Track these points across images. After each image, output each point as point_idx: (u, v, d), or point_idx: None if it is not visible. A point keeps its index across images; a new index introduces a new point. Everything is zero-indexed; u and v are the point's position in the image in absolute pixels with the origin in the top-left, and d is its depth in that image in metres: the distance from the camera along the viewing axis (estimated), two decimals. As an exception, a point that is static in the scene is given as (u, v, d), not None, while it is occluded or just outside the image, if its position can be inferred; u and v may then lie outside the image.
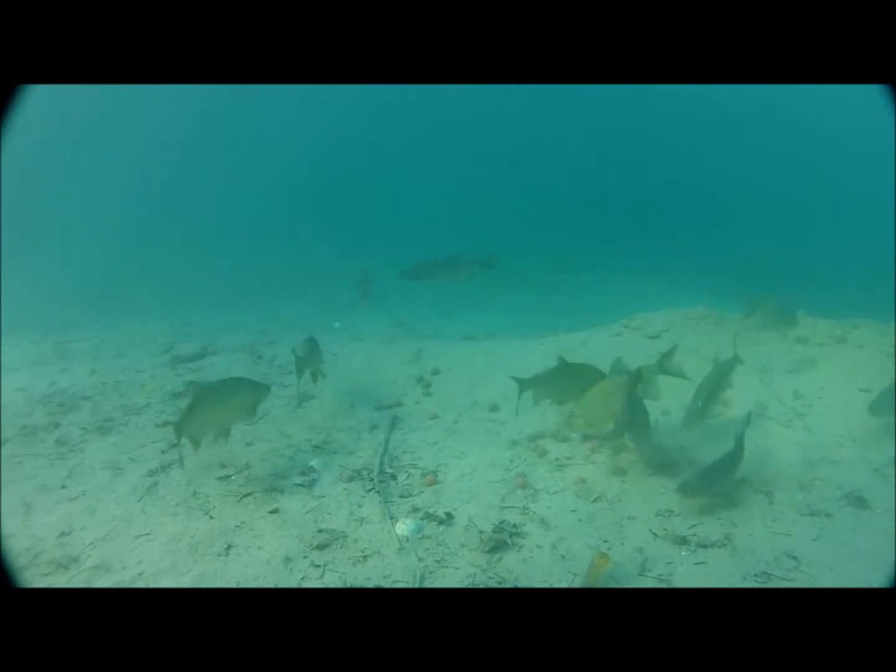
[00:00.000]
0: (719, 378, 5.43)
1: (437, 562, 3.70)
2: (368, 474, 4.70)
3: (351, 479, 4.64)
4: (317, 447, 5.20)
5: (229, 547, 3.87)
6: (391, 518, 4.13)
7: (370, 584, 3.51)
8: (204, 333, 9.49)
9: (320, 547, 3.84)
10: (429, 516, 4.14)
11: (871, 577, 3.47)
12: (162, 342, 8.60)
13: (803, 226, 19.31)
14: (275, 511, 4.24)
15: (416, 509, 4.25)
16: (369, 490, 4.50)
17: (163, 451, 5.14)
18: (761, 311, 7.88)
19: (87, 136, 26.42)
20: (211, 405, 4.46)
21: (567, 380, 5.14)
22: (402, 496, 4.45)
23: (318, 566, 3.67)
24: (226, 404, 4.55)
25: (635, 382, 4.74)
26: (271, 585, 3.52)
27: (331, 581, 3.54)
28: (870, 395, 5.84)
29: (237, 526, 4.09)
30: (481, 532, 3.93)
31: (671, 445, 5.07)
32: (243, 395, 4.63)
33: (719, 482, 4.31)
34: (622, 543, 3.87)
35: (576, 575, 3.53)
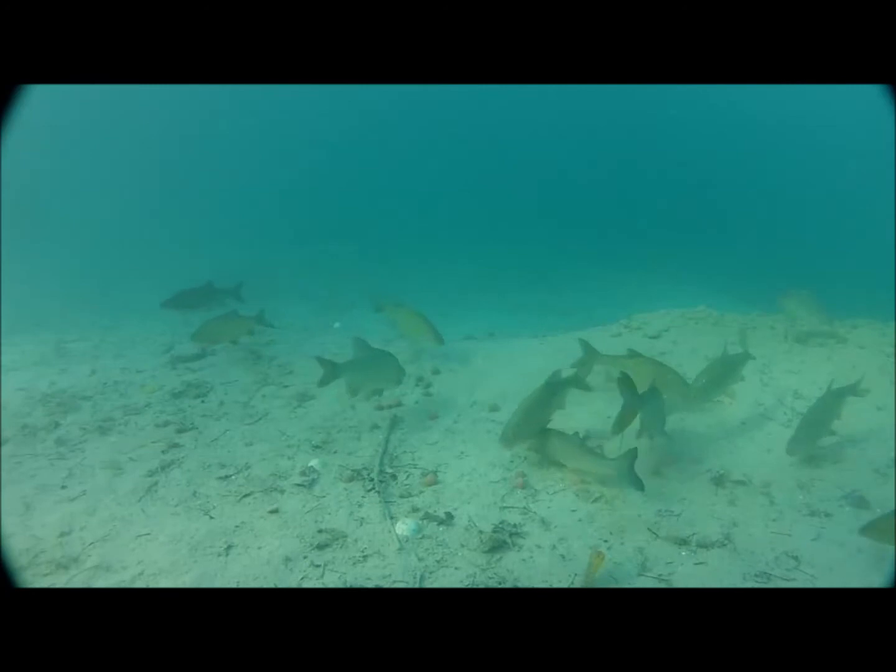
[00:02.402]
0: (728, 367, 5.52)
1: (437, 562, 3.70)
2: (368, 474, 4.70)
3: (351, 479, 4.64)
4: (317, 447, 5.20)
5: (229, 547, 3.87)
6: (391, 518, 4.13)
7: (370, 584, 3.51)
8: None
9: (320, 547, 3.84)
10: (429, 516, 4.14)
11: (870, 577, 3.47)
12: (162, 342, 8.59)
13: (803, 225, 19.31)
14: (275, 511, 4.24)
15: (415, 509, 4.25)
16: (369, 490, 4.50)
17: (163, 451, 5.14)
18: (802, 311, 7.27)
19: (87, 135, 26.42)
20: (372, 368, 5.59)
21: (632, 367, 5.38)
22: (402, 496, 4.45)
23: (318, 566, 3.67)
24: (380, 371, 5.60)
25: (557, 394, 5.08)
26: (271, 585, 3.52)
27: (331, 581, 3.54)
28: (869, 394, 5.86)
29: (237, 526, 4.09)
30: (481, 532, 3.93)
31: (670, 440, 5.07)
32: (392, 368, 5.61)
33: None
34: (622, 543, 3.87)
35: (576, 575, 3.54)
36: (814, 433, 4.84)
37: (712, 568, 3.62)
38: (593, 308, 11.93)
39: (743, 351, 5.94)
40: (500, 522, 4.04)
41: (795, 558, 3.69)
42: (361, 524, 4.10)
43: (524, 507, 4.27)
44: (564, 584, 3.49)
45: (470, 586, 3.47)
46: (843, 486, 4.50)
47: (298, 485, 4.58)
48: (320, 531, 3.99)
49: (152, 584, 3.53)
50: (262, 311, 7.48)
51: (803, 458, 4.82)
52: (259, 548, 3.86)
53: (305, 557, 3.76)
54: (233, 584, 3.53)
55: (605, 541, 3.89)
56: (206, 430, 5.56)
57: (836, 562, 3.66)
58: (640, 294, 11.43)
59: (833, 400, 5.12)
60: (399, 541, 3.88)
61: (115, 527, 4.10)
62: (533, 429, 4.82)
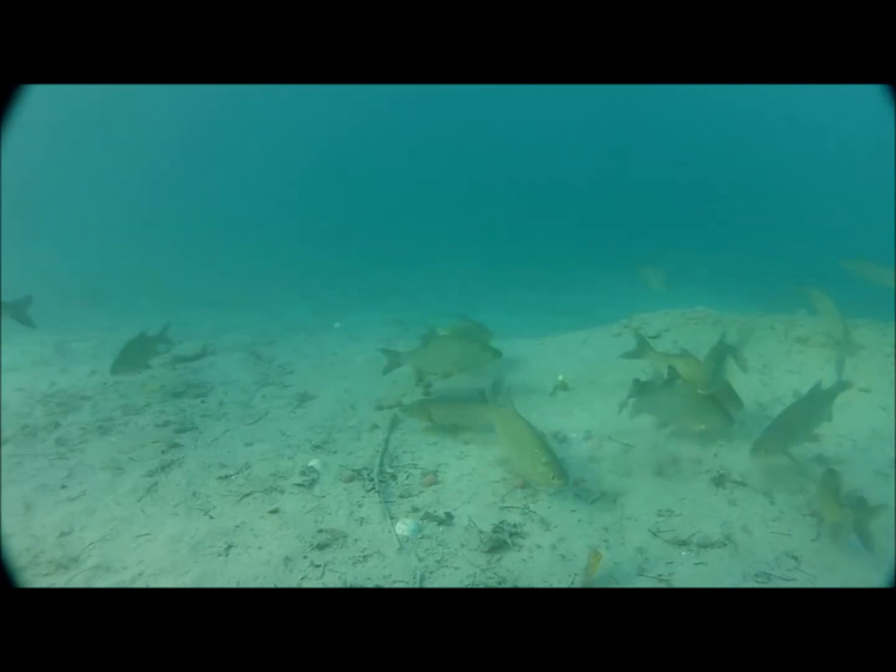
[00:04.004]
0: (723, 353, 5.42)
1: (437, 562, 3.70)
2: (368, 474, 4.70)
3: (351, 479, 4.64)
4: (317, 447, 5.20)
5: (229, 547, 3.87)
6: (391, 518, 4.13)
7: (370, 584, 3.51)
8: (204, 333, 9.49)
9: (320, 547, 3.84)
10: (429, 516, 4.14)
11: (870, 576, 3.47)
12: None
13: (803, 225, 19.31)
14: (275, 511, 4.24)
15: (415, 509, 4.25)
16: (369, 490, 4.50)
17: (163, 451, 5.14)
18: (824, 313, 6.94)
19: (86, 135, 26.42)
20: (442, 354, 5.89)
21: (682, 367, 5.20)
22: (402, 496, 4.45)
23: (318, 566, 3.67)
24: (453, 357, 5.86)
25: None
26: (271, 585, 3.52)
27: (331, 581, 3.54)
28: (870, 394, 5.86)
29: (237, 526, 4.09)
30: (481, 532, 3.93)
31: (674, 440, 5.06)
32: (470, 354, 5.86)
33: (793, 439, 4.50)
34: (622, 543, 3.87)
35: (576, 575, 3.53)
36: (783, 436, 4.49)
37: (712, 568, 3.62)
38: (594, 308, 11.92)
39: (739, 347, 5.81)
40: (500, 522, 4.04)
41: (795, 558, 3.69)
42: (361, 524, 4.10)
43: (524, 507, 4.26)
44: (564, 584, 3.49)
45: (470, 586, 3.47)
46: (843, 486, 4.48)
47: (298, 485, 4.58)
48: (320, 531, 3.99)
49: (152, 584, 3.53)
50: (165, 327, 6.76)
51: (766, 459, 4.52)
52: (259, 548, 3.86)
53: (305, 557, 3.76)
54: (233, 584, 3.53)
55: (606, 541, 3.89)
56: (206, 430, 5.56)
57: (836, 562, 3.66)
58: (641, 294, 11.43)
59: (812, 403, 4.77)
60: (399, 541, 3.88)
61: (115, 527, 4.10)
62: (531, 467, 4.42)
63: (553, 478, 4.08)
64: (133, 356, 6.26)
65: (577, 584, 3.46)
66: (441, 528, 4.04)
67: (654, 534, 3.94)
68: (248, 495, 4.45)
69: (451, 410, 5.31)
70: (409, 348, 6.17)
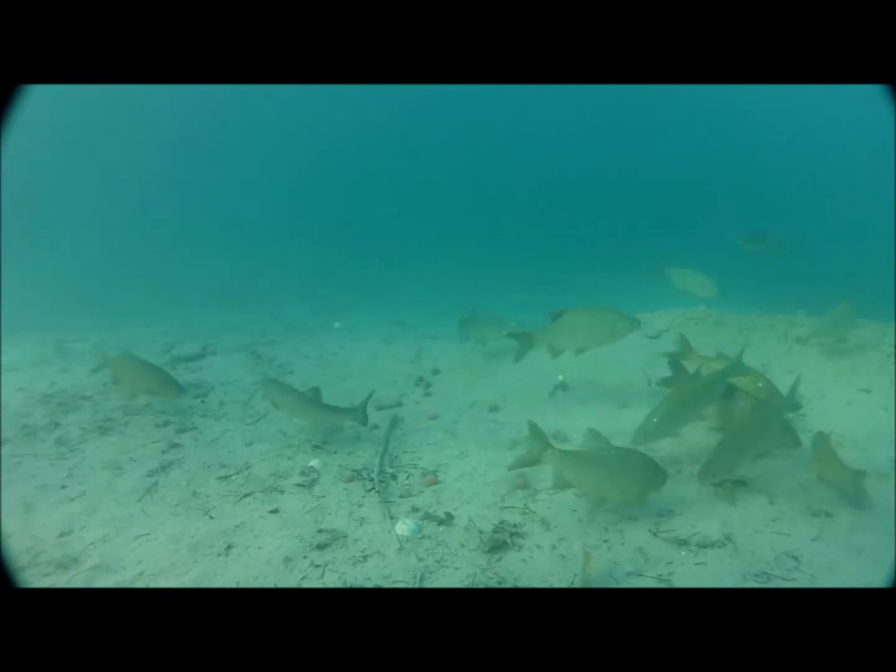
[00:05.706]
0: (699, 392, 4.81)
1: (437, 562, 3.70)
2: (368, 474, 4.70)
3: (351, 479, 4.64)
4: (317, 447, 5.20)
5: (229, 547, 3.87)
6: (391, 518, 4.13)
7: (370, 584, 3.51)
8: (204, 333, 9.50)
9: (320, 547, 3.84)
10: (429, 516, 4.14)
11: (870, 577, 3.47)
12: (162, 342, 8.60)
13: (802, 225, 19.30)
14: (275, 511, 4.24)
15: (416, 509, 4.25)
16: (369, 490, 4.50)
17: (163, 451, 5.14)
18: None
19: (87, 136, 26.42)
20: (576, 328, 5.59)
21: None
22: (402, 496, 4.45)
23: (318, 566, 3.67)
24: (588, 329, 5.58)
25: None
26: (271, 585, 3.52)
27: (331, 581, 3.54)
28: (870, 394, 5.86)
29: (237, 526, 4.09)
30: (481, 532, 3.92)
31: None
32: (605, 326, 5.55)
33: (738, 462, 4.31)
34: (622, 543, 3.87)
35: (576, 575, 3.53)
36: (730, 458, 4.28)
37: (712, 568, 3.61)
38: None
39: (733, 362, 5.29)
40: (500, 522, 4.04)
41: (795, 558, 3.68)
42: (361, 524, 4.10)
43: (524, 507, 4.27)
44: (564, 584, 3.49)
45: (470, 586, 3.47)
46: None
47: (298, 485, 4.58)
48: (320, 531, 3.99)
49: (152, 584, 3.53)
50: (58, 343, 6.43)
51: (714, 483, 4.35)
52: (259, 548, 3.86)
53: (305, 557, 3.76)
54: (233, 584, 3.53)
55: (606, 541, 3.89)
56: (206, 430, 5.57)
57: (836, 562, 3.65)
58: (641, 294, 11.44)
59: (759, 422, 4.54)
60: (399, 541, 3.88)
61: (115, 527, 4.09)
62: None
63: (662, 484, 4.14)
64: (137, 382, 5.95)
65: (577, 585, 3.46)
66: (441, 528, 4.04)
67: (654, 534, 3.94)
68: (248, 495, 4.45)
69: (289, 399, 5.35)
70: (540, 328, 5.71)
